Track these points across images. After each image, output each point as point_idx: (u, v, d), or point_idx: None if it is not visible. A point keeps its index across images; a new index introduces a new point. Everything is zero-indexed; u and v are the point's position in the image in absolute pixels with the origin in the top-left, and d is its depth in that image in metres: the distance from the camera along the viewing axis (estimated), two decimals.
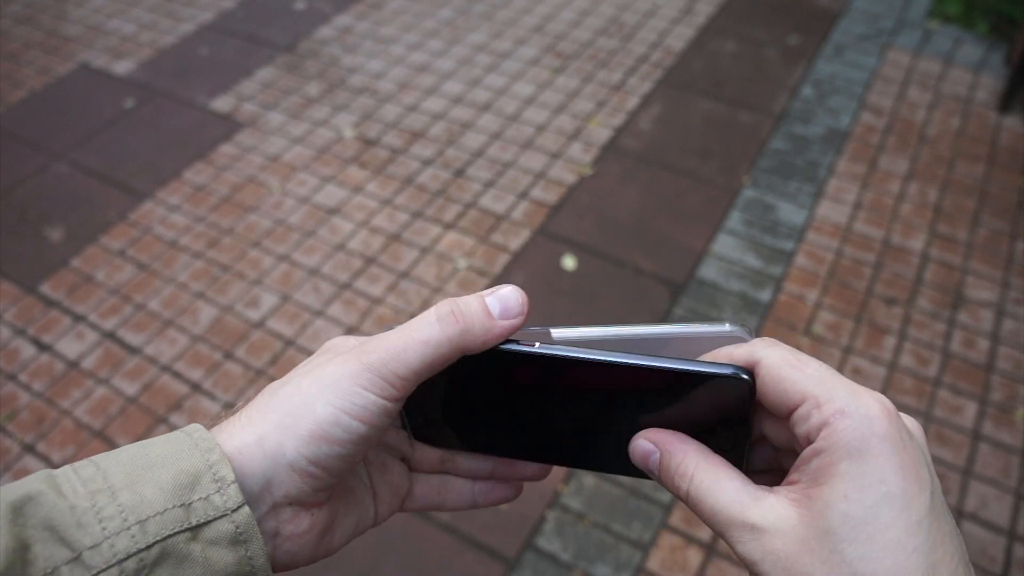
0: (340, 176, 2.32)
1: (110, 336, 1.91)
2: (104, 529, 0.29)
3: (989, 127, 2.44)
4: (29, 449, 1.69)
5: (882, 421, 0.29)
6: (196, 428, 0.33)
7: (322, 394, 0.33)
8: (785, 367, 0.32)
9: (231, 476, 0.31)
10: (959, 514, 1.55)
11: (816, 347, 1.84)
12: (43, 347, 1.89)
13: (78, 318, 1.95)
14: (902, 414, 0.31)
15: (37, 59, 2.85)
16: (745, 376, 0.32)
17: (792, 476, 0.31)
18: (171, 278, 2.04)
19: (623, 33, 2.87)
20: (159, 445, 0.32)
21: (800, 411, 0.31)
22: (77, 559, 0.28)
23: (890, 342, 1.85)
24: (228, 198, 2.27)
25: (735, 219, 2.16)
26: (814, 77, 2.65)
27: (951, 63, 2.69)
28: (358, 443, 0.33)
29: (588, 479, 1.60)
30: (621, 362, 0.34)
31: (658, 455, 0.35)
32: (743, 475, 0.33)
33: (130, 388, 1.79)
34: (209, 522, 0.30)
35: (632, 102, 2.56)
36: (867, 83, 2.61)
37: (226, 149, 2.43)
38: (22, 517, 0.28)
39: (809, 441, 0.30)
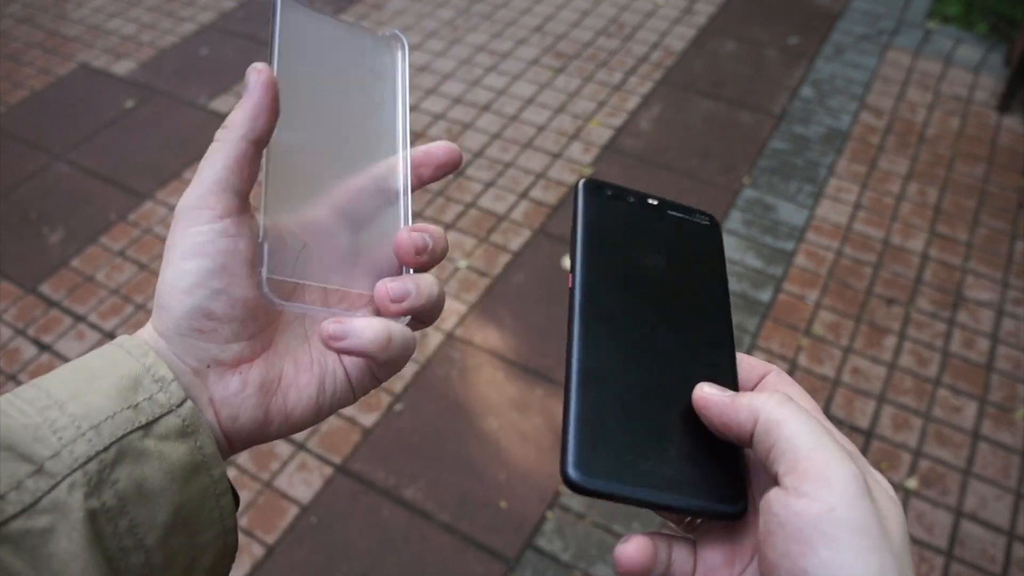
0: None
1: (110, 336, 1.91)
2: (60, 439, 0.30)
3: (989, 127, 2.44)
4: None
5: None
6: (125, 338, 0.34)
7: (166, 260, 0.34)
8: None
9: (169, 375, 0.33)
10: (959, 514, 1.55)
11: (816, 347, 1.84)
12: (43, 347, 1.89)
13: (78, 318, 1.95)
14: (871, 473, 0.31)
15: (37, 59, 2.85)
16: None
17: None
18: None
19: (623, 33, 2.87)
20: (93, 359, 0.33)
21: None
22: (39, 470, 0.29)
23: (890, 342, 1.85)
24: None
25: (735, 219, 2.16)
26: (814, 77, 2.65)
27: (951, 63, 2.69)
28: (213, 276, 0.33)
29: None
30: None
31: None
32: None
33: None
34: (158, 419, 0.32)
35: (632, 102, 2.56)
36: (867, 83, 2.61)
37: None
38: None
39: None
